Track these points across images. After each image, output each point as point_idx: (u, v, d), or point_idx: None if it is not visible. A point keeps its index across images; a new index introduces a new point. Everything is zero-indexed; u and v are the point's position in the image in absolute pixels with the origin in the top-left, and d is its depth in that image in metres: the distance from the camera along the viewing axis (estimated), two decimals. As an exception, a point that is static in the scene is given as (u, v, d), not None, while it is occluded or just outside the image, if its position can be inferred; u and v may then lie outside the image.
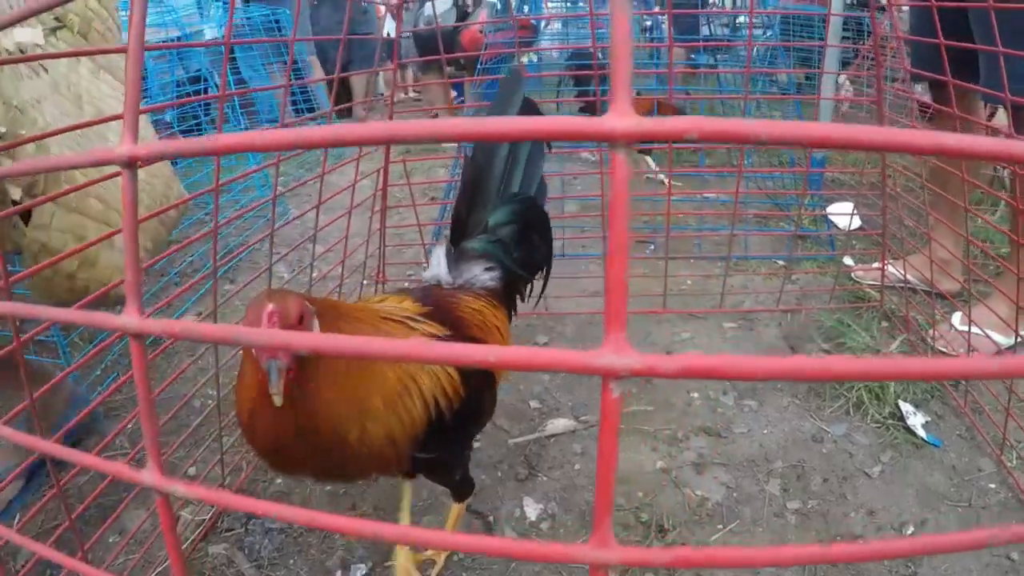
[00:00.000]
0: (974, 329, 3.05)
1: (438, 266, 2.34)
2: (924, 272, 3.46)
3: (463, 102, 8.61)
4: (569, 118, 0.39)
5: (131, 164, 0.52)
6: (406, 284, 3.43)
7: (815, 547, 0.41)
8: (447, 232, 2.45)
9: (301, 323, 1.52)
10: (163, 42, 5.80)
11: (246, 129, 5.91)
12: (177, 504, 2.60)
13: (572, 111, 6.80)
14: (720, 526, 2.47)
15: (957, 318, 3.36)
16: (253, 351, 1.56)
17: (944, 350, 3.28)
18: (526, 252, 2.48)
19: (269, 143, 0.46)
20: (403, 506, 2.31)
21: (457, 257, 2.36)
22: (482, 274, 2.33)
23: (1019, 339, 2.87)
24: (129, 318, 0.53)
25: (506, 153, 2.42)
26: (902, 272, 3.73)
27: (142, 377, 0.57)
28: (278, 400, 1.48)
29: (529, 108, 2.49)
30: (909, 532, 2.41)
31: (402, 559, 2.26)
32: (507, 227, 2.41)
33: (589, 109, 7.10)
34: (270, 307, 1.47)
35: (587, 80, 6.32)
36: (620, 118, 0.37)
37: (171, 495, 0.56)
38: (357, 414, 1.70)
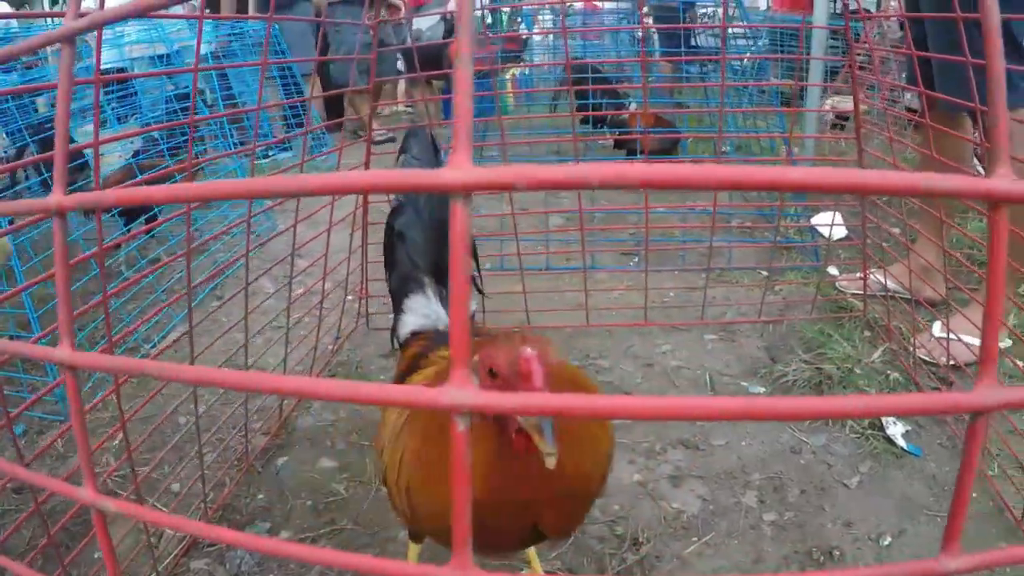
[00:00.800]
0: (953, 336, 3.06)
1: (432, 311, 2.29)
2: (905, 281, 3.48)
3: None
4: (407, 172, 0.41)
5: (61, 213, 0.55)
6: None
7: None
8: (424, 279, 2.36)
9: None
10: (152, 58, 5.85)
11: (236, 144, 5.93)
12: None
13: (566, 125, 6.84)
14: (695, 538, 2.48)
15: (937, 327, 3.37)
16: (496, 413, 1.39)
17: (926, 358, 3.30)
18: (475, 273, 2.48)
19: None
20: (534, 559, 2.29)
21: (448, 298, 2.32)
22: (471, 304, 2.32)
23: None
24: (62, 351, 0.56)
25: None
26: (883, 281, 3.75)
27: (76, 411, 0.60)
28: (552, 463, 1.27)
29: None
30: (886, 543, 2.42)
31: None
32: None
33: (593, 119, 7.14)
34: (535, 356, 1.30)
35: (587, 94, 6.38)
36: (454, 171, 0.40)
37: (105, 512, 0.59)
38: (593, 452, 1.58)
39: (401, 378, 2.09)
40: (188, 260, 2.27)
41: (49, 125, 4.93)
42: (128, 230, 4.59)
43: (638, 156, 5.87)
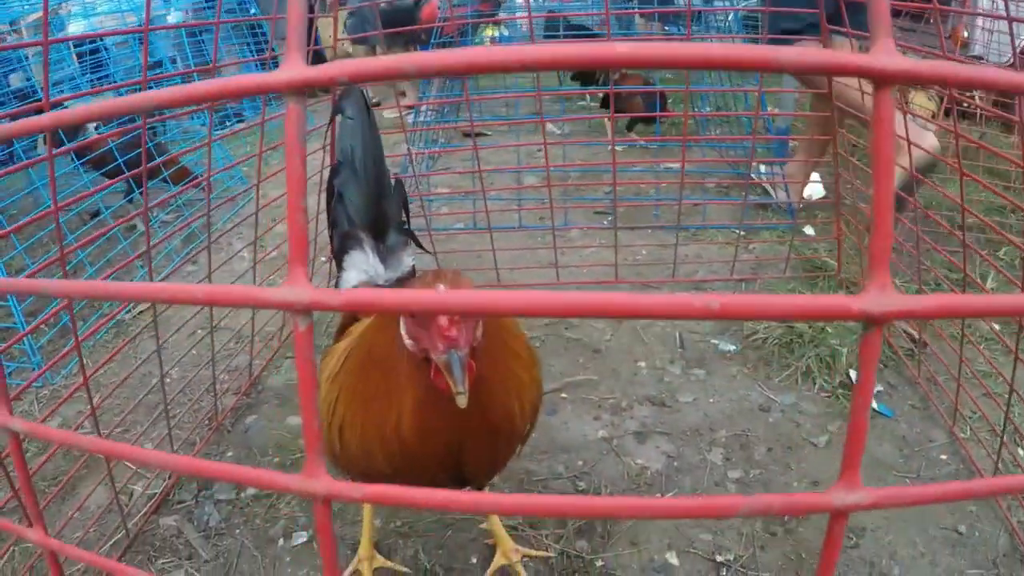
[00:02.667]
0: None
1: (371, 266, 2.28)
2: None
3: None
4: (250, 76, 0.41)
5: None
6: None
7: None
8: (362, 235, 2.34)
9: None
10: (125, 27, 5.79)
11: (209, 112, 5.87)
12: (127, 478, 2.62)
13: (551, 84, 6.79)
14: (658, 494, 2.50)
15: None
16: (415, 348, 1.39)
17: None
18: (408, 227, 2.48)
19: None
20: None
21: (386, 252, 2.33)
22: (407, 259, 2.32)
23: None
24: None
25: (370, 145, 2.38)
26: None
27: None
28: (463, 401, 1.30)
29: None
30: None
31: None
32: (401, 211, 2.42)
33: (583, 77, 7.10)
34: (443, 287, 1.31)
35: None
36: (284, 71, 0.39)
37: (17, 432, 0.59)
38: (515, 391, 1.60)
39: (340, 332, 2.09)
40: (145, 203, 2.25)
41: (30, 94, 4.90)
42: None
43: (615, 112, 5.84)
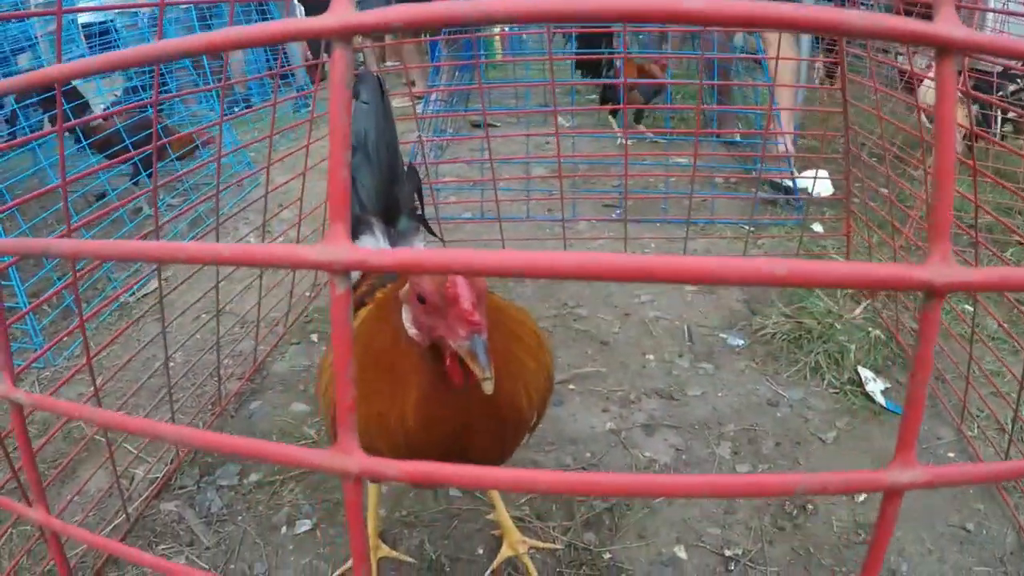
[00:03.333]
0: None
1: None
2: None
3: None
4: (298, 20, 0.38)
5: None
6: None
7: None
8: (372, 220, 2.33)
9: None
10: (134, 13, 5.78)
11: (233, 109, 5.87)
12: (128, 462, 2.60)
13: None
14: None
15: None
16: (421, 337, 1.36)
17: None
18: (422, 213, 2.46)
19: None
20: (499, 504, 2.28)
21: (397, 237, 2.31)
22: (418, 244, 2.29)
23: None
24: None
25: (384, 130, 2.36)
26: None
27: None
28: (490, 387, 1.25)
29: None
30: (861, 499, 2.41)
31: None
32: (413, 197, 2.40)
33: (587, 67, 7.05)
34: (463, 279, 1.27)
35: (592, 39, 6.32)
36: (331, 16, 0.37)
37: (19, 403, 0.56)
38: (522, 379, 1.58)
39: None
40: (155, 184, 2.22)
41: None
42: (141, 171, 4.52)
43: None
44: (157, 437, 0.50)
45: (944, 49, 0.37)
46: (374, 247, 2.22)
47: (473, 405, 1.40)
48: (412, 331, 1.38)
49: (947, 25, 0.37)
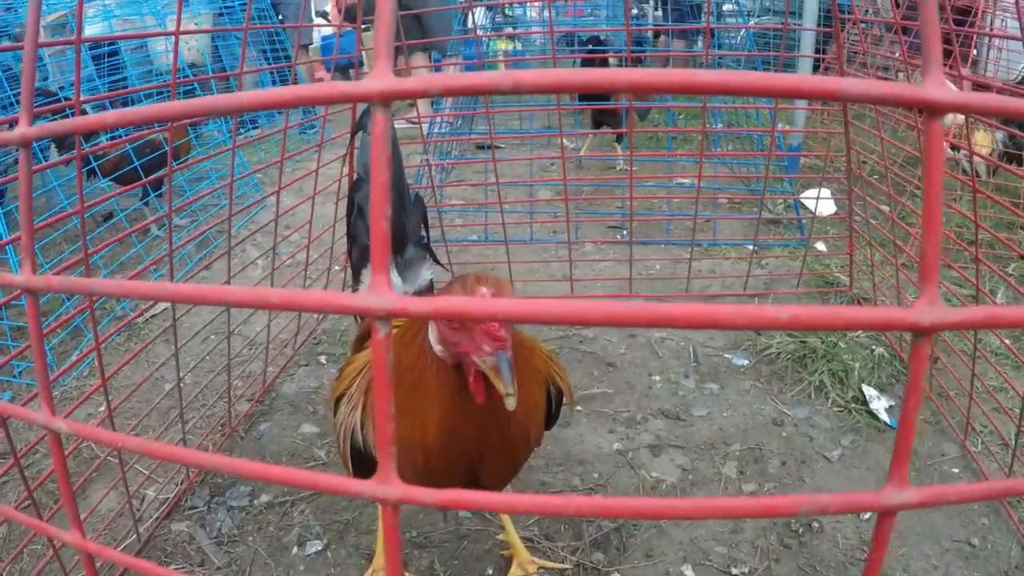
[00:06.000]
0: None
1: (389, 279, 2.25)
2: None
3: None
4: (337, 84, 0.41)
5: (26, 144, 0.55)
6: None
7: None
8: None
9: None
10: (141, 30, 5.82)
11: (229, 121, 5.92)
12: (139, 482, 2.62)
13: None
14: (675, 507, 2.48)
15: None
16: (448, 355, 1.39)
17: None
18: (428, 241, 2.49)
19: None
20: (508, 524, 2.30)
21: (404, 266, 2.34)
22: (425, 273, 2.31)
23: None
24: (23, 276, 0.57)
25: (392, 161, 2.35)
26: None
27: (35, 332, 0.61)
28: (512, 403, 1.27)
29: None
30: (866, 516, 2.42)
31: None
32: (420, 225, 2.43)
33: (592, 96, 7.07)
34: (487, 290, 1.30)
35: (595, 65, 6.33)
36: (375, 80, 0.40)
37: (60, 433, 0.59)
38: (533, 409, 1.62)
39: (358, 344, 2.10)
40: (170, 208, 2.25)
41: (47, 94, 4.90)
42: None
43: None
44: (197, 465, 0.53)
45: (933, 111, 0.40)
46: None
47: (490, 426, 1.44)
48: (438, 348, 1.41)
49: (935, 88, 0.40)
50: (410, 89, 0.40)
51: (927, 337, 0.42)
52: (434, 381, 1.45)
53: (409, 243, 2.34)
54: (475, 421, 1.44)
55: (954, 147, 4.67)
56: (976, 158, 4.38)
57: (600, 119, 6.06)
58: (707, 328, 0.39)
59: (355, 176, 2.47)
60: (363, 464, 1.73)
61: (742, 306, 0.41)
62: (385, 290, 0.41)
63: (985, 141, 4.80)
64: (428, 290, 2.27)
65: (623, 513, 0.44)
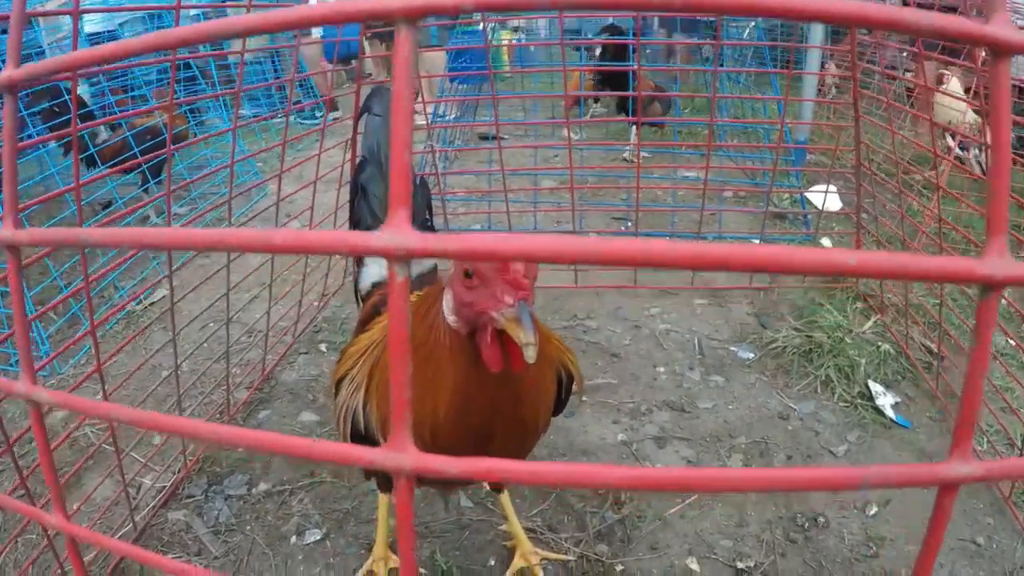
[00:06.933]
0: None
1: None
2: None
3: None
4: (352, 2, 0.37)
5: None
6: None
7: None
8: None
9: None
10: (144, 18, 5.78)
11: (230, 109, 5.91)
12: (135, 471, 2.59)
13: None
14: (678, 500, 2.45)
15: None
16: (462, 323, 1.35)
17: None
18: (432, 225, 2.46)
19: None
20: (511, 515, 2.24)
21: None
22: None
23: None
24: (4, 230, 0.53)
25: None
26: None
27: (16, 293, 0.56)
28: (532, 353, 1.20)
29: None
30: (872, 512, 2.40)
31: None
32: (424, 208, 2.40)
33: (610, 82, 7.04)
34: None
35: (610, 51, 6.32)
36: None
37: (39, 402, 0.55)
38: (544, 392, 1.59)
39: (361, 326, 2.05)
40: (168, 189, 2.21)
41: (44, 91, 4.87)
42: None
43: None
44: (194, 436, 0.49)
45: (999, 51, 0.38)
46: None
47: (503, 402, 1.40)
48: (451, 319, 1.37)
49: (1003, 28, 0.38)
50: (437, 4, 0.36)
51: (996, 291, 0.39)
52: (447, 354, 1.40)
53: (413, 226, 2.30)
54: (488, 395, 1.39)
55: (963, 147, 4.64)
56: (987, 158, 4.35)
57: (624, 104, 6.04)
58: (767, 271, 0.35)
59: (359, 158, 2.43)
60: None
61: (810, 248, 0.37)
62: (405, 227, 0.37)
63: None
64: (431, 274, 2.22)
65: (663, 485, 0.40)
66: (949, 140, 4.51)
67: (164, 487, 2.55)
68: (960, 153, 4.76)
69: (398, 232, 0.37)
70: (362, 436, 1.65)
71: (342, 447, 0.44)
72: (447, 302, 1.37)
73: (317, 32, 9.39)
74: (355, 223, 2.39)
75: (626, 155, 5.88)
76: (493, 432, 1.49)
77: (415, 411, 1.45)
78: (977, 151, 4.53)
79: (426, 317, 1.44)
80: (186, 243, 0.44)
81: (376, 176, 2.32)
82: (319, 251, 0.39)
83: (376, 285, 2.23)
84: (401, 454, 0.41)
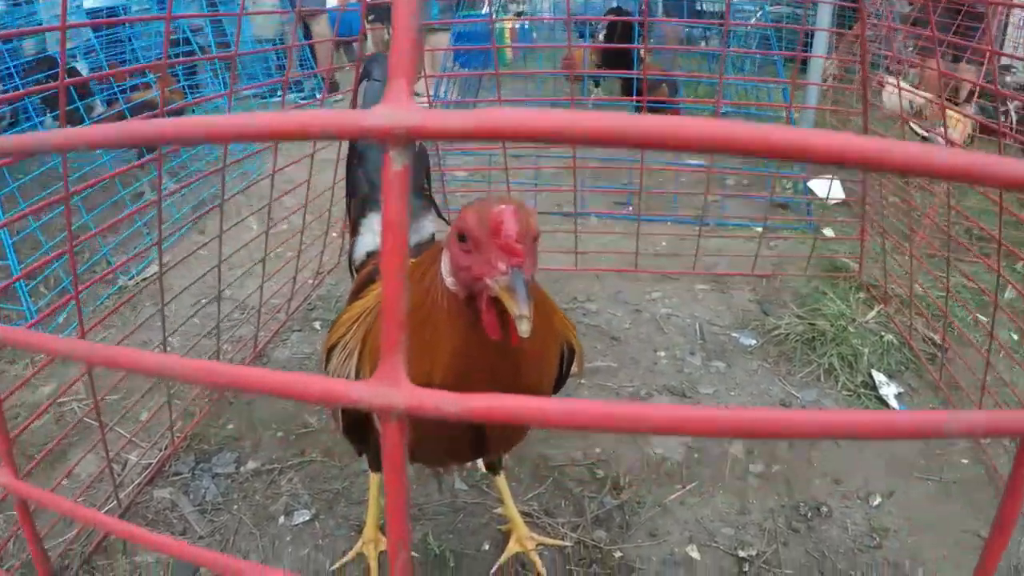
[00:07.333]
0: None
1: None
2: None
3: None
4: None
5: None
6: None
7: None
8: (380, 197, 2.24)
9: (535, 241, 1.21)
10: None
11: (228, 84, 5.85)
12: (121, 446, 2.53)
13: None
14: (678, 486, 2.40)
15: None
16: (460, 287, 1.27)
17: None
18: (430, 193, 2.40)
19: None
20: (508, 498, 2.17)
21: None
22: (428, 224, 2.20)
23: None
24: None
25: None
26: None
27: None
28: (526, 327, 1.11)
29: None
30: (876, 502, 2.35)
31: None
32: (422, 176, 2.33)
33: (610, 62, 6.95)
34: (510, 209, 1.16)
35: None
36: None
37: None
38: (547, 366, 1.51)
39: (355, 295, 1.98)
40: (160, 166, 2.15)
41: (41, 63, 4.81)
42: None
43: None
44: (177, 375, 0.42)
45: None
46: (381, 227, 2.14)
47: (502, 371, 1.32)
48: (449, 281, 1.29)
49: None
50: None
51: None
52: (444, 317, 1.32)
53: (411, 194, 2.23)
54: (487, 363, 1.31)
55: (925, 138, 4.60)
56: (954, 135, 4.29)
57: (628, 86, 5.97)
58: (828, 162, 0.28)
59: None
60: (356, 421, 1.63)
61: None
62: (406, 100, 0.30)
63: (956, 121, 4.71)
64: (429, 242, 2.16)
65: (716, 430, 0.33)
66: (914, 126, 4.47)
67: (150, 464, 2.49)
68: (924, 133, 4.71)
69: (397, 107, 0.30)
70: (352, 410, 1.59)
71: (326, 383, 0.37)
72: (445, 264, 1.29)
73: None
74: (352, 192, 2.33)
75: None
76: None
77: (409, 376, 1.39)
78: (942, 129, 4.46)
79: (423, 278, 1.36)
80: (155, 136, 0.37)
81: (375, 142, 2.25)
82: (313, 134, 0.32)
83: (371, 255, 2.17)
84: (392, 389, 0.34)
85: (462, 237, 1.19)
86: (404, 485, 0.38)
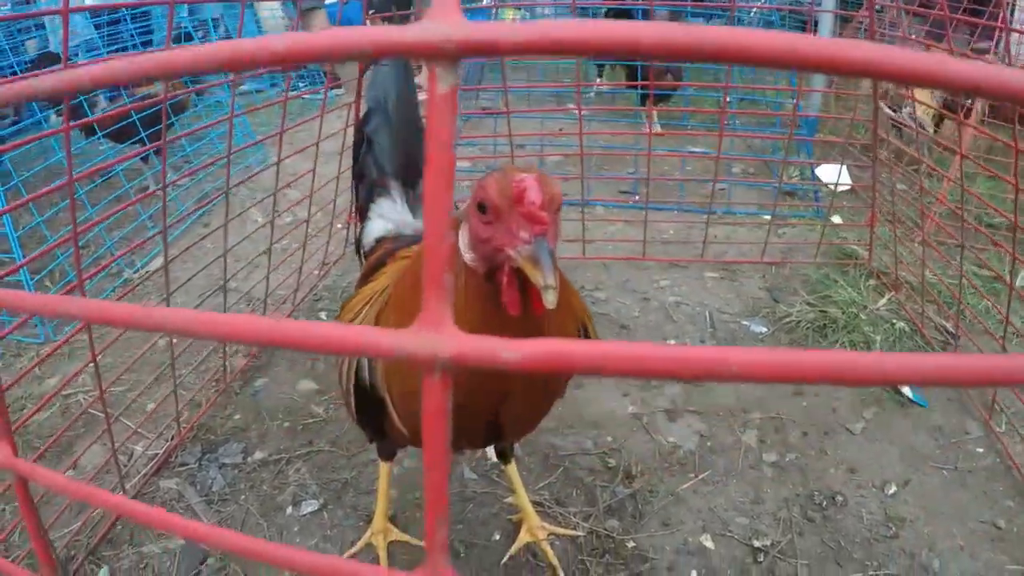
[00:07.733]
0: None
1: (399, 215, 2.15)
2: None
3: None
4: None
5: None
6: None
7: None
8: (391, 183, 2.22)
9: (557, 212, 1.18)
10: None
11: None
12: (126, 436, 2.50)
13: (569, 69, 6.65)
14: (691, 475, 2.37)
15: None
16: (480, 260, 1.23)
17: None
18: None
19: None
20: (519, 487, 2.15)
21: (416, 201, 2.18)
22: None
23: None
24: None
25: (404, 91, 2.26)
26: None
27: None
28: (552, 298, 1.08)
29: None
30: (891, 492, 2.32)
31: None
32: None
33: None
34: (532, 177, 1.13)
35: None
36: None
37: None
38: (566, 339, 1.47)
39: (364, 280, 1.95)
40: (164, 154, 2.12)
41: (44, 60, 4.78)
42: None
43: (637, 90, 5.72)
44: (200, 332, 0.39)
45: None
46: (392, 211, 2.12)
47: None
48: (468, 256, 1.25)
49: None
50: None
51: None
52: (462, 295, 1.28)
53: (421, 177, 2.20)
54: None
55: (893, 108, 4.54)
56: (920, 113, 4.23)
57: (633, 75, 5.92)
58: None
59: (365, 110, 2.33)
60: (369, 407, 1.60)
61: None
62: (454, 12, 0.27)
63: (925, 97, 4.66)
64: None
65: (772, 373, 0.30)
66: (883, 107, 4.42)
67: (156, 454, 2.47)
68: (891, 115, 4.66)
69: (444, 19, 0.27)
70: (367, 392, 1.56)
71: (358, 331, 0.33)
72: (463, 238, 1.25)
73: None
74: (360, 177, 2.29)
75: (657, 127, 5.74)
76: (510, 388, 1.38)
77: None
78: (910, 109, 4.39)
79: None
80: (167, 68, 0.34)
81: (382, 126, 2.22)
82: (345, 53, 0.29)
83: (380, 240, 2.13)
84: (436, 335, 0.31)
85: (482, 207, 1.15)
86: (446, 458, 0.34)
